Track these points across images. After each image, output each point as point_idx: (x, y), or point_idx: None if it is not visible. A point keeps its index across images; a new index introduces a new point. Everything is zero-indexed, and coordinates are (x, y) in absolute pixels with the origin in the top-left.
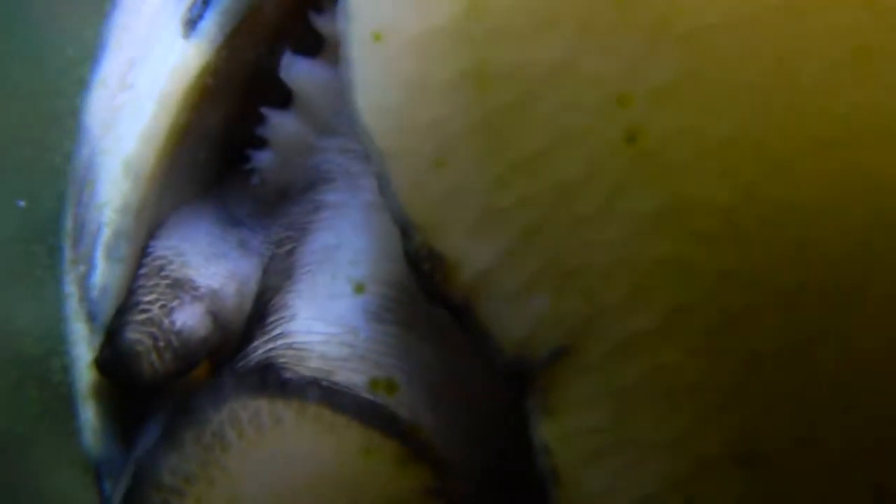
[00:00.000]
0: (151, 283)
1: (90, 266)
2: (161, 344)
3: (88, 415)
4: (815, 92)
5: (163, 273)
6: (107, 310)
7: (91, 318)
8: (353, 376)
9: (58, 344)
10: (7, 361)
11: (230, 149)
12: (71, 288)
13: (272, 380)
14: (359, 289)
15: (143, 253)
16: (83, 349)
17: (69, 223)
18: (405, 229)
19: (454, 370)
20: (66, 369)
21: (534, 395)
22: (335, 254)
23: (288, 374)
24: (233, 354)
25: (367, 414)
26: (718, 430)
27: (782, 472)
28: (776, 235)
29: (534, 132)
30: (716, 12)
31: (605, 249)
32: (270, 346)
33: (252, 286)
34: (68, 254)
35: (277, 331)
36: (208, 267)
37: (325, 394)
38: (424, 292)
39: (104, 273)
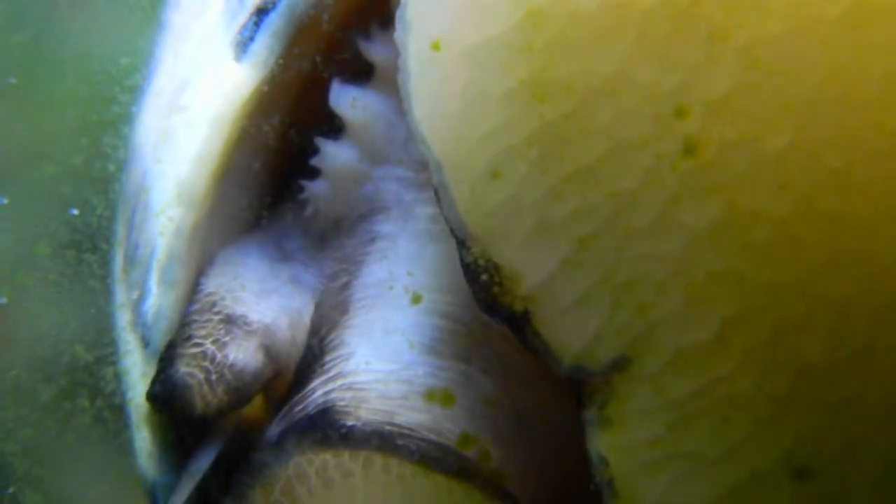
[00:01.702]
0: (204, 318)
1: (143, 291)
2: (214, 377)
3: (143, 440)
4: (869, 105)
5: (215, 309)
6: (160, 335)
7: (144, 343)
8: (413, 415)
9: (109, 353)
10: (58, 369)
11: (283, 159)
12: (124, 308)
13: (334, 432)
14: (414, 320)
15: (195, 279)
16: (136, 374)
17: (121, 237)
18: (463, 240)
19: (515, 402)
20: (119, 378)
21: (591, 406)
22: (388, 287)
23: (350, 421)
24: (288, 391)
25: (433, 459)
26: (772, 442)
27: (835, 485)
28: (831, 247)
29: (589, 143)
30: (772, 24)
31: (661, 262)
32: (329, 387)
33: (305, 320)
34: (120, 273)
35: (335, 371)
36: (260, 303)
37: (389, 444)
38: (482, 304)
39: (158, 297)
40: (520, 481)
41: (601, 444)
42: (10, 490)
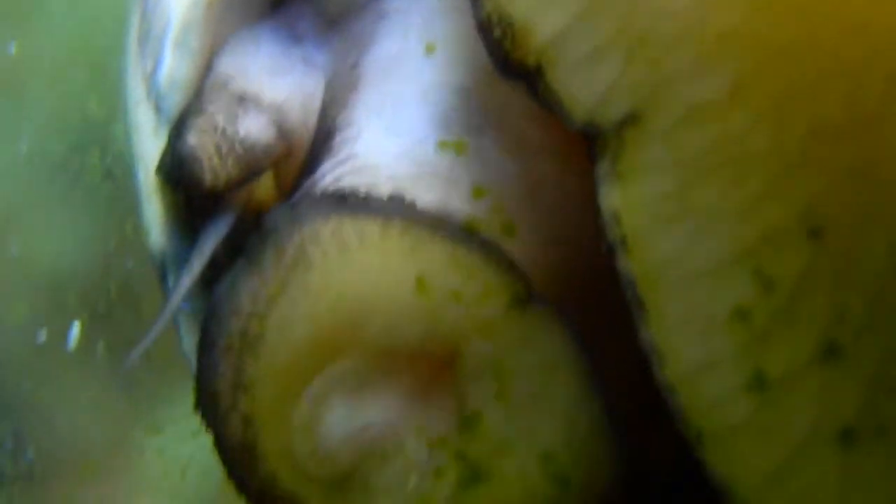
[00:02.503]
0: (216, 94)
1: (158, 60)
2: (224, 150)
3: (153, 209)
4: None
5: (227, 86)
6: (173, 103)
7: (157, 109)
8: (426, 194)
9: (119, 111)
10: (69, 125)
11: None
12: (137, 81)
13: (352, 196)
14: (425, 95)
15: (209, 55)
16: (148, 144)
17: (136, 23)
18: None
19: (529, 174)
20: (128, 135)
21: (603, 161)
22: (400, 60)
23: (365, 190)
24: (298, 174)
25: (452, 227)
26: (786, 200)
27: (848, 245)
28: (842, 10)
29: None
30: None
31: (674, 17)
32: (339, 169)
33: (316, 101)
34: (134, 52)
35: (344, 151)
36: (272, 82)
37: (409, 209)
38: (495, 62)
39: (172, 65)
40: (533, 250)
41: (613, 199)
42: None
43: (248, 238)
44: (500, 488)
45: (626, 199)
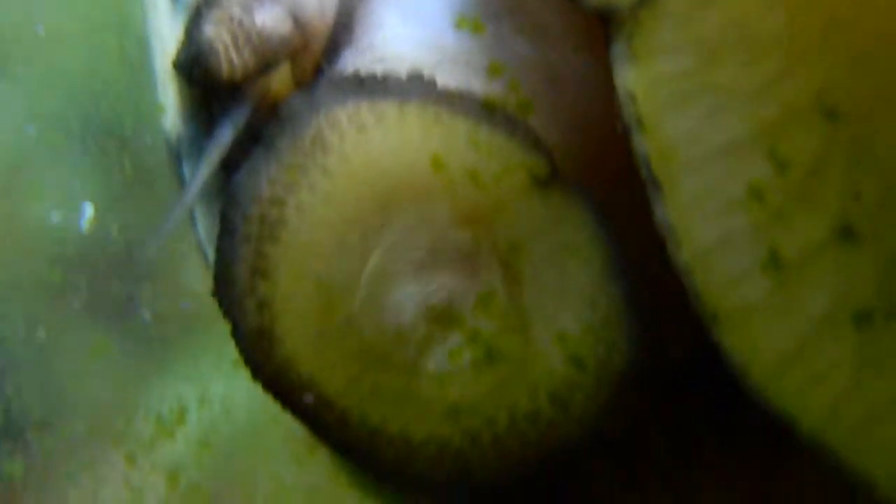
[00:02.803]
0: None
1: None
2: (240, 41)
3: (170, 95)
4: None
5: None
6: None
7: (174, 2)
8: (446, 77)
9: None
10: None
11: None
12: None
13: (370, 80)
14: None
15: None
16: (165, 32)
17: None
18: None
19: (547, 59)
20: (144, 15)
21: (619, 41)
22: None
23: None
24: (317, 65)
25: (471, 105)
26: (801, 81)
27: (863, 127)
28: None
29: None
30: None
31: None
32: (360, 58)
33: None
34: None
35: (365, 41)
36: None
37: (427, 89)
38: None
39: None
40: (550, 131)
41: (629, 79)
42: None
43: (267, 126)
44: (514, 369)
45: (641, 78)
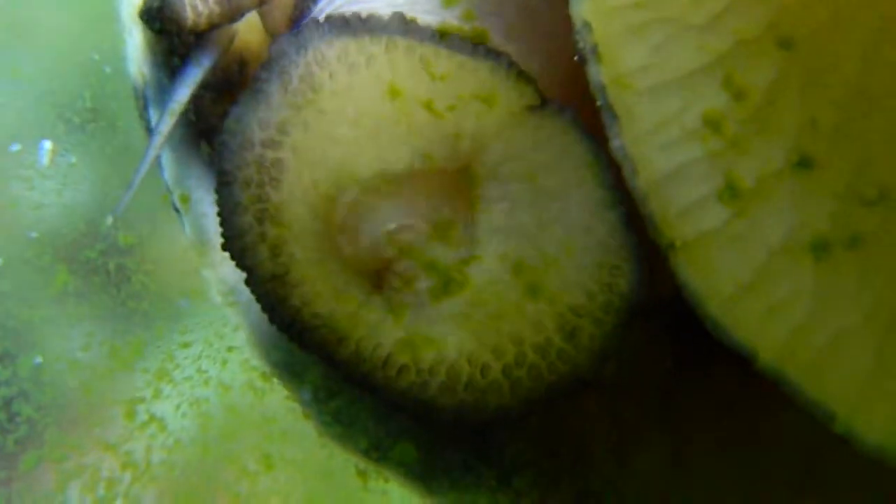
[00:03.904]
0: None
1: None
2: None
3: (134, 41)
4: None
5: None
6: None
7: None
8: (426, 17)
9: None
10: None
11: None
12: None
13: (354, 19)
14: None
15: None
16: None
17: None
18: None
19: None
20: None
21: None
22: None
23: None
24: (288, 17)
25: (457, 41)
26: (755, 11)
27: (820, 55)
28: None
29: None
30: None
31: None
32: (334, 4)
33: None
34: None
35: None
36: None
37: (409, 27)
38: None
39: None
40: (532, 60)
41: (584, 9)
42: None
43: (255, 71)
44: (472, 297)
45: (596, 8)
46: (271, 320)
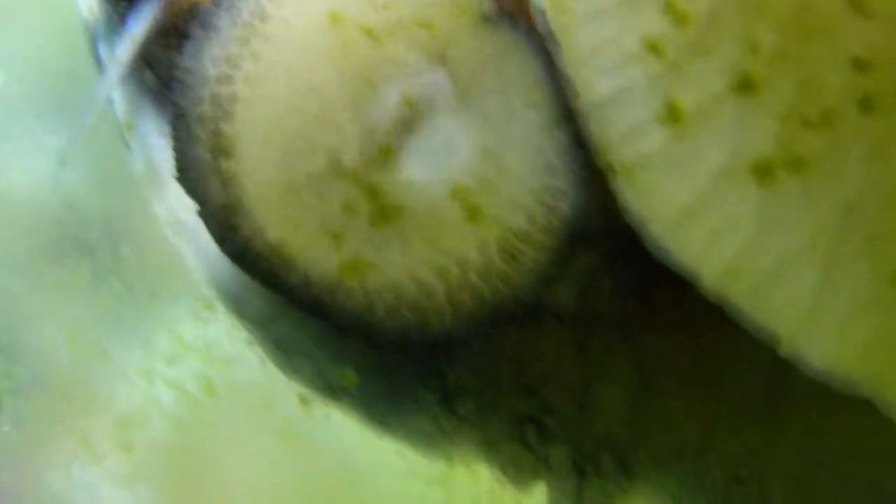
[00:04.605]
0: None
1: None
2: None
3: None
4: None
5: None
6: None
7: None
8: None
9: None
10: None
11: None
12: None
13: None
14: None
15: None
16: None
17: None
18: None
19: None
20: None
21: None
22: None
23: None
24: None
25: None
26: None
27: None
28: None
29: None
30: None
31: None
32: None
33: None
34: None
35: None
36: None
37: None
38: None
39: None
40: None
41: None
42: None
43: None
44: (413, 221)
45: None
46: (222, 249)
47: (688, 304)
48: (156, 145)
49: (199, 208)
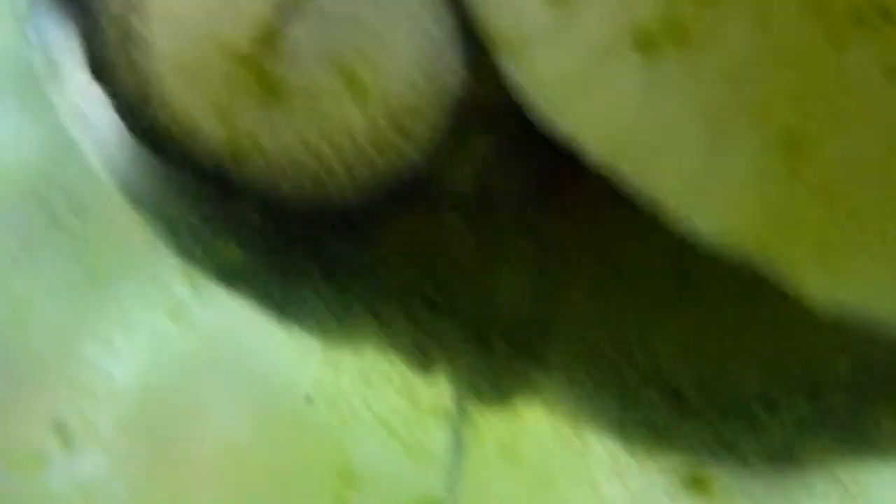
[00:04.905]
0: None
1: None
2: None
3: None
4: None
5: None
6: None
7: None
8: None
9: None
10: None
11: None
12: None
13: None
14: None
15: None
16: None
17: None
18: None
19: None
20: None
21: None
22: None
23: None
24: None
25: None
26: None
27: None
28: None
29: None
30: None
31: None
32: None
33: None
34: None
35: None
36: None
37: None
38: None
39: None
40: None
41: None
42: None
43: None
44: (300, 101)
45: None
46: (139, 141)
47: (588, 186)
48: (54, 38)
49: (113, 102)
